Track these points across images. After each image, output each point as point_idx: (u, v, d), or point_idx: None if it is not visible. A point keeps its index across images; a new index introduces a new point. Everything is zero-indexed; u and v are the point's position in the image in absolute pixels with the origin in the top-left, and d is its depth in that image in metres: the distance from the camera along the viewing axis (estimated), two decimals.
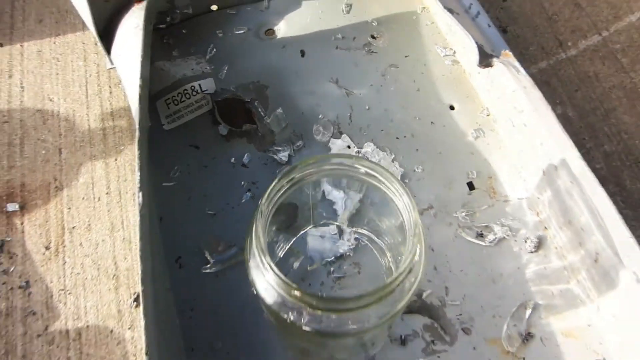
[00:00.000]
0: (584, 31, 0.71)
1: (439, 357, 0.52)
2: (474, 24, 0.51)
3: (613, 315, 0.49)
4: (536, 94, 0.50)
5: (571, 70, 0.68)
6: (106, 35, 0.62)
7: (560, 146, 0.49)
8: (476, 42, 0.49)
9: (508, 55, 0.49)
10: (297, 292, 0.34)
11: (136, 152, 0.49)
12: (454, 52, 0.64)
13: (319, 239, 0.52)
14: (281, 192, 0.38)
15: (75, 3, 0.60)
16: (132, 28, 0.59)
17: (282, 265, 0.54)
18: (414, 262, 0.35)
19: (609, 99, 0.67)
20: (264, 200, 0.37)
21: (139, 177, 0.45)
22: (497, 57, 0.50)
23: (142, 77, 0.53)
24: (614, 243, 0.46)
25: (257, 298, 0.39)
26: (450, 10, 0.55)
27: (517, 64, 0.49)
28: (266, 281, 0.35)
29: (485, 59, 0.49)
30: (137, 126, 0.51)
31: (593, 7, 0.73)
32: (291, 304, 0.35)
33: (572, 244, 0.52)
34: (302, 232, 0.53)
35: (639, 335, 0.47)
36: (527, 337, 0.52)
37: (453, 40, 0.64)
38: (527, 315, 0.53)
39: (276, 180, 0.38)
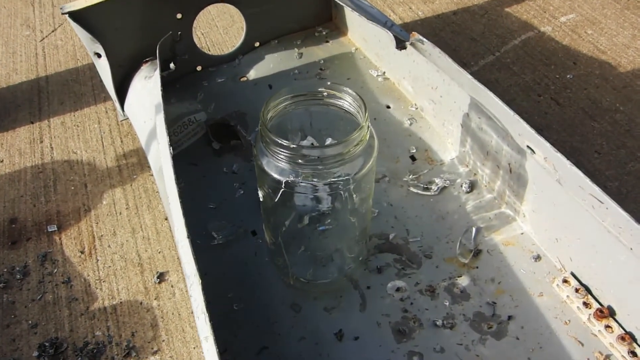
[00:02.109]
0: (481, 54, 0.92)
1: (409, 277, 0.63)
2: (390, 30, 0.71)
3: (533, 211, 0.63)
4: (440, 55, 0.67)
5: (477, 79, 0.88)
6: (120, 92, 0.80)
7: (467, 88, 0.66)
8: (391, 34, 0.68)
9: (414, 35, 0.68)
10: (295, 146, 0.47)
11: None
12: (384, 72, 0.84)
13: None
14: (270, 111, 0.53)
15: (99, 70, 0.79)
16: (142, 79, 0.77)
17: None
18: (370, 128, 0.51)
19: (509, 94, 0.86)
20: (262, 110, 0.51)
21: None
22: (408, 41, 0.69)
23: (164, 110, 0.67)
24: (514, 141, 0.61)
25: (262, 186, 0.52)
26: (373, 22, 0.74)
27: (422, 37, 0.67)
28: (269, 154, 0.49)
29: (400, 43, 0.68)
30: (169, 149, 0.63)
31: (485, 39, 0.95)
32: (290, 169, 0.49)
33: (493, 172, 0.67)
34: None
35: (552, 220, 0.60)
36: (476, 252, 0.64)
37: (382, 65, 0.84)
38: (472, 236, 0.65)
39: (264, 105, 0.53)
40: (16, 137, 0.87)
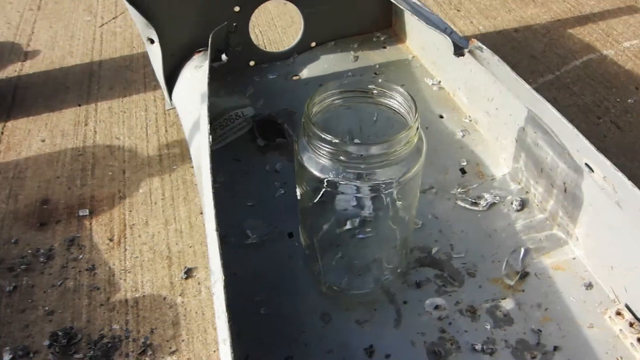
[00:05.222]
0: (540, 72, 0.87)
1: (450, 295, 0.58)
2: (450, 37, 0.67)
3: (587, 235, 0.57)
4: (499, 63, 0.62)
5: None
6: (169, 82, 0.78)
7: (525, 100, 0.61)
8: (450, 40, 0.64)
9: (473, 42, 0.63)
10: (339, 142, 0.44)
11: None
12: (439, 82, 0.79)
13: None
14: (316, 105, 0.49)
15: (151, 56, 0.77)
16: (192, 69, 0.75)
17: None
18: (419, 130, 0.48)
19: (567, 114, 0.80)
20: (307, 103, 0.48)
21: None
22: (466, 48, 0.65)
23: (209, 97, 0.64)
24: (571, 158, 0.56)
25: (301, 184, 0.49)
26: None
27: (481, 44, 0.62)
28: (311, 149, 0.46)
29: (458, 49, 0.64)
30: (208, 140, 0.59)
31: (545, 58, 0.90)
32: (332, 166, 0.45)
33: (546, 190, 0.61)
34: None
35: (607, 246, 0.55)
36: (523, 274, 0.59)
37: (438, 74, 0.80)
38: (520, 257, 0.60)
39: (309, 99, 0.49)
40: (62, 118, 0.86)
